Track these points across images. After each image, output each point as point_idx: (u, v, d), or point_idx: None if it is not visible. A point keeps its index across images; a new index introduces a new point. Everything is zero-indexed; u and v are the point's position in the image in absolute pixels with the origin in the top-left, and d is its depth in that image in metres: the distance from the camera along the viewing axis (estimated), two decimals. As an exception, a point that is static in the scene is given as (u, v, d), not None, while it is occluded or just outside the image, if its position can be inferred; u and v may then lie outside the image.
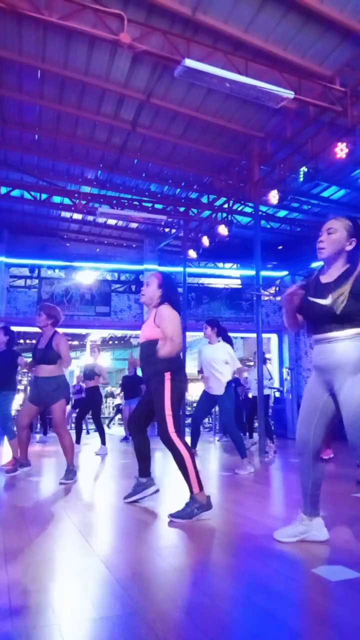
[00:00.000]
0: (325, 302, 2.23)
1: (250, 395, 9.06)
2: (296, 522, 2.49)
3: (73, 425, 7.87)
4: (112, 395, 17.69)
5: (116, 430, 12.96)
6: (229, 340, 5.47)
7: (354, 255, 2.29)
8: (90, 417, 7.94)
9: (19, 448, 4.82)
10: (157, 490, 3.61)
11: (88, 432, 11.96)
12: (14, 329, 13.32)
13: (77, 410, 8.49)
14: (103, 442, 7.24)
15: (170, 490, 4.02)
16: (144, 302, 3.52)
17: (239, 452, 5.19)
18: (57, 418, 4.57)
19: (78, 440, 7.42)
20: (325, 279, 2.34)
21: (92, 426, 14.07)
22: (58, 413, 4.55)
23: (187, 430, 9.89)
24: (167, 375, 3.21)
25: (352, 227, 2.29)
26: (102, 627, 1.57)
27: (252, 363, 15.10)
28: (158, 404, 3.23)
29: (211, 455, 6.98)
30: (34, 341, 5.36)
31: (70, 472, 4.47)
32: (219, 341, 5.37)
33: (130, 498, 3.55)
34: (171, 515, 3.05)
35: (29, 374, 10.76)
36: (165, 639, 1.50)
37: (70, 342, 19.10)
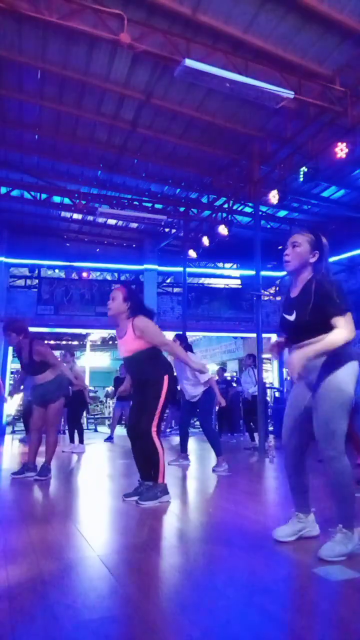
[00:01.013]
0: (291, 318, 2.40)
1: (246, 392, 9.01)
2: (293, 520, 2.53)
3: (66, 429, 7.89)
4: (112, 395, 17.67)
5: (120, 431, 12.94)
6: (191, 350, 5.68)
7: (317, 267, 2.42)
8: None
9: (28, 452, 4.85)
10: (169, 502, 3.57)
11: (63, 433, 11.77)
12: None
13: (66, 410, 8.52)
14: (81, 440, 7.48)
15: (170, 489, 4.02)
16: (112, 315, 3.64)
17: (214, 451, 5.37)
18: (51, 416, 4.68)
19: (81, 440, 7.52)
20: (293, 292, 2.49)
21: (92, 426, 14.14)
22: (54, 411, 4.69)
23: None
24: (166, 378, 3.49)
25: (314, 241, 2.43)
26: (102, 627, 1.57)
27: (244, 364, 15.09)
28: (151, 401, 3.46)
29: (206, 455, 6.99)
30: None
31: (46, 470, 4.59)
32: None
33: (129, 498, 3.57)
34: (140, 499, 3.40)
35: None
36: (165, 639, 1.50)
37: (70, 342, 19.10)
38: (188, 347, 5.60)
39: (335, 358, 2.26)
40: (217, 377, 9.29)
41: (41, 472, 4.57)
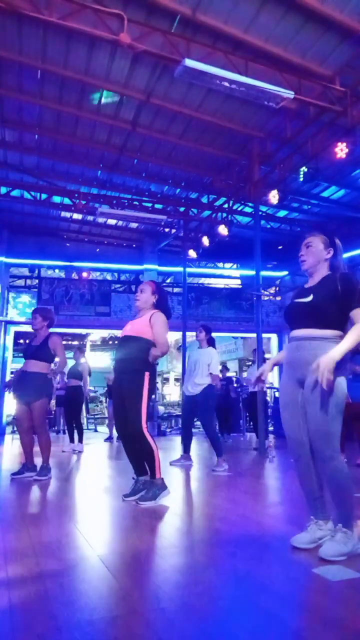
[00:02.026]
0: (307, 299, 2.39)
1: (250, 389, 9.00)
2: (312, 527, 2.40)
3: (65, 429, 7.90)
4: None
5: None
6: (213, 345, 5.84)
7: (334, 263, 2.48)
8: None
9: (23, 452, 4.82)
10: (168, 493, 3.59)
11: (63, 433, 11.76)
12: (14, 329, 13.24)
13: (62, 410, 8.51)
14: (80, 439, 7.48)
15: (171, 489, 4.02)
16: (139, 306, 3.77)
17: (215, 451, 5.38)
18: (37, 416, 4.61)
19: (81, 439, 7.52)
20: (308, 284, 2.52)
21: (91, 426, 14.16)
22: (39, 411, 4.59)
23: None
24: (147, 375, 3.51)
25: (327, 239, 2.49)
26: (101, 627, 1.57)
27: (251, 363, 15.11)
28: (134, 399, 3.48)
29: (206, 456, 6.98)
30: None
31: (45, 469, 4.59)
32: (207, 347, 5.72)
33: (129, 498, 3.57)
34: (140, 501, 3.41)
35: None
36: (165, 639, 1.50)
37: (70, 342, 19.12)
38: (211, 340, 5.77)
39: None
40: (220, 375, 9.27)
41: (41, 472, 4.57)
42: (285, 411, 2.48)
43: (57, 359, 4.79)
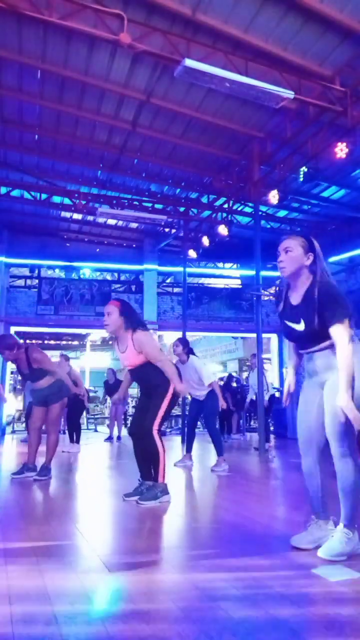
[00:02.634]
0: (299, 327, 2.37)
1: (249, 398, 8.97)
2: (312, 527, 2.41)
3: (65, 429, 7.90)
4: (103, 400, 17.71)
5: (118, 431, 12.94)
6: (192, 353, 5.66)
7: (314, 270, 2.40)
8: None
9: (28, 452, 4.83)
10: (169, 502, 3.58)
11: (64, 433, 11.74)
12: (14, 329, 13.18)
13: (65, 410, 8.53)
14: (77, 440, 7.49)
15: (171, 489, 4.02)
16: (110, 332, 3.72)
17: (216, 450, 5.40)
18: (53, 416, 4.72)
19: (78, 440, 7.50)
20: (294, 299, 2.46)
21: (91, 426, 14.15)
22: (56, 411, 4.72)
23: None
24: (171, 389, 3.56)
25: (307, 244, 2.41)
26: (102, 627, 1.57)
27: (249, 364, 15.08)
28: (155, 405, 3.55)
29: (207, 456, 6.99)
30: (34, 341, 5.41)
31: (45, 470, 4.61)
32: (188, 359, 5.53)
33: (130, 497, 3.58)
34: (140, 499, 3.42)
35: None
36: (165, 639, 1.50)
37: (70, 342, 19.03)
38: (190, 351, 5.59)
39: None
40: (221, 383, 9.27)
41: (41, 472, 4.59)
42: (301, 411, 2.49)
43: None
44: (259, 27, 6.12)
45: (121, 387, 4.15)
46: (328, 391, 2.30)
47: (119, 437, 9.57)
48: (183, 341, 5.69)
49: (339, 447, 2.22)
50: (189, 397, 5.88)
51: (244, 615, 1.68)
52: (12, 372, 13.52)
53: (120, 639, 1.51)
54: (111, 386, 9.45)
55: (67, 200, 10.86)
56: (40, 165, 9.97)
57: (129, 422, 9.32)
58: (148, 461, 3.67)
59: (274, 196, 8.56)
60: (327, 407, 2.29)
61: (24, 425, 10.61)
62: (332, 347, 2.29)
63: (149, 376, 3.60)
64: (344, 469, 2.22)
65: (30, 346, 4.80)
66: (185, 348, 5.55)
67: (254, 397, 8.29)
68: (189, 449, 5.78)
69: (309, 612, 1.73)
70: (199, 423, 6.38)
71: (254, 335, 9.37)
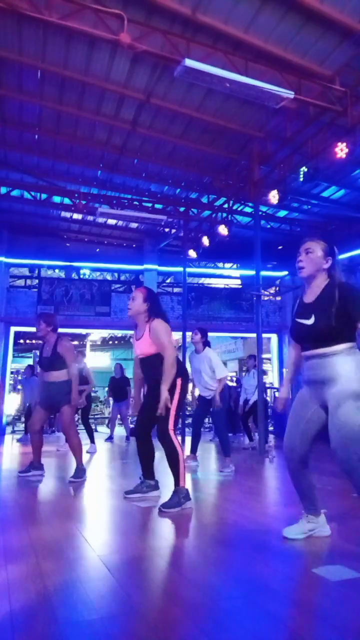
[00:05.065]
0: (308, 322, 2.38)
1: (242, 400, 8.89)
2: (303, 520, 2.55)
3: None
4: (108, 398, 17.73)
5: (118, 430, 12.96)
6: (209, 345, 5.71)
7: (332, 273, 2.44)
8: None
9: (32, 452, 4.83)
10: (159, 497, 3.65)
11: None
12: (14, 329, 13.17)
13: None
14: (92, 440, 7.50)
15: (169, 490, 4.02)
16: (131, 315, 3.72)
17: (223, 451, 5.40)
18: (66, 419, 4.62)
19: (92, 439, 7.56)
20: (307, 298, 2.48)
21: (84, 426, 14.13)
22: (68, 415, 4.60)
23: (188, 429, 9.91)
24: (179, 382, 3.49)
25: (327, 247, 2.45)
26: (101, 627, 1.57)
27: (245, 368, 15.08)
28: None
29: (210, 455, 6.99)
30: (34, 341, 5.40)
31: (80, 471, 4.56)
32: (204, 349, 5.58)
33: (131, 495, 3.61)
34: (162, 506, 3.27)
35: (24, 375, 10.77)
36: (165, 639, 1.50)
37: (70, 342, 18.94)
38: (207, 343, 5.64)
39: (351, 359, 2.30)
40: (233, 384, 9.27)
41: (76, 474, 4.54)
42: (290, 419, 2.53)
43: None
44: (259, 27, 6.12)
45: (135, 396, 4.05)
46: (333, 403, 2.27)
47: (127, 437, 9.53)
48: (202, 330, 5.70)
49: (351, 455, 2.18)
50: (190, 396, 5.88)
51: (244, 615, 1.68)
52: (12, 373, 13.53)
53: (120, 638, 1.51)
54: (117, 381, 9.45)
55: (67, 200, 10.87)
56: (40, 165, 9.96)
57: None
58: (151, 460, 3.67)
59: (274, 196, 8.56)
60: (333, 420, 2.26)
61: (23, 425, 10.61)
62: (337, 355, 2.29)
63: (159, 369, 3.51)
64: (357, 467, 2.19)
65: (64, 335, 4.84)
66: (204, 337, 5.58)
67: (247, 398, 8.26)
68: (193, 449, 5.73)
69: (308, 612, 1.73)
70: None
71: (254, 335, 9.37)
